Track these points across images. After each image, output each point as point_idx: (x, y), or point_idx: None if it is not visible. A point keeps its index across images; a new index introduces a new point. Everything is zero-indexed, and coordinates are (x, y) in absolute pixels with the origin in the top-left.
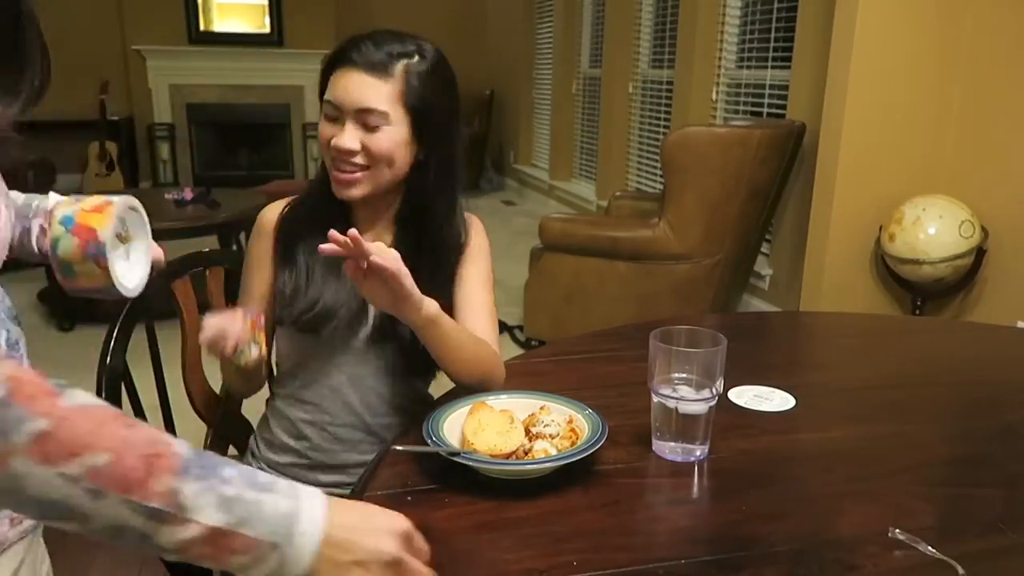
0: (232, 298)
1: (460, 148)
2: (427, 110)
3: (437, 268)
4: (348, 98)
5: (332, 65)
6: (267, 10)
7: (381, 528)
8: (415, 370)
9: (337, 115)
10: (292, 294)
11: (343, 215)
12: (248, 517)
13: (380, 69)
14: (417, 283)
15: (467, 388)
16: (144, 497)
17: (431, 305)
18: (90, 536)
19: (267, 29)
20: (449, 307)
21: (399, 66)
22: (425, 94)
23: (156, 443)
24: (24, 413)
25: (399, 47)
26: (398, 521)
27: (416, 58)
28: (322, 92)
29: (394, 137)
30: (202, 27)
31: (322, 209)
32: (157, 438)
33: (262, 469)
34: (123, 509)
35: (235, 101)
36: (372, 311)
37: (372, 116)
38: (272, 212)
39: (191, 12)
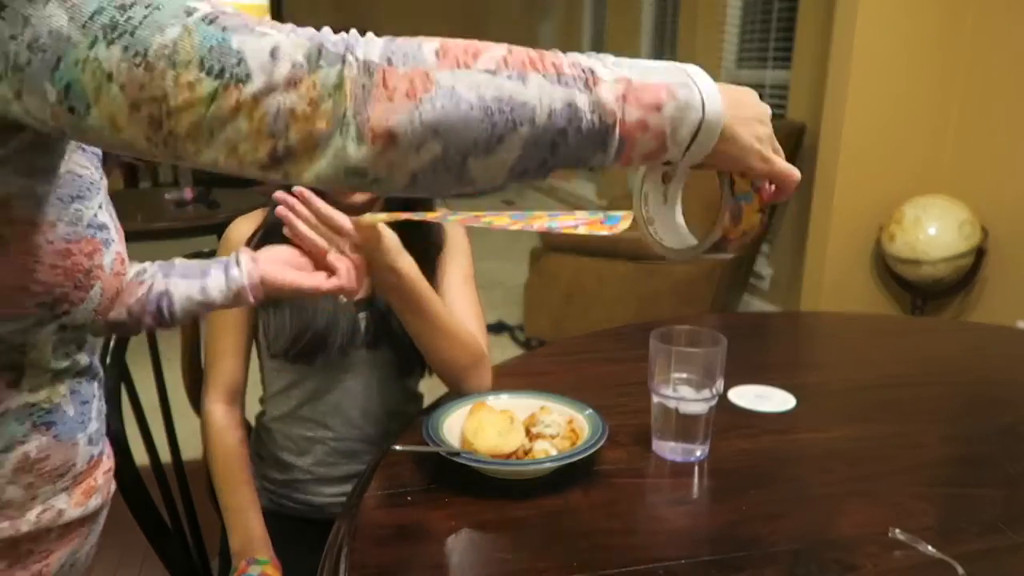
0: None
1: None
2: None
3: (420, 262)
4: None
5: None
6: (267, 10)
7: (746, 92)
8: (409, 368)
9: None
10: (278, 329)
11: None
12: (645, 67)
13: None
14: None
15: (455, 386)
16: (557, 70)
17: (406, 259)
18: (540, 147)
19: None
20: None
21: None
22: None
23: (525, 51)
24: (412, 41)
25: None
26: (749, 90)
27: None
28: None
29: None
30: None
31: None
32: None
33: (265, 488)
34: (549, 86)
35: None
36: (363, 323)
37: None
38: (240, 231)
39: None
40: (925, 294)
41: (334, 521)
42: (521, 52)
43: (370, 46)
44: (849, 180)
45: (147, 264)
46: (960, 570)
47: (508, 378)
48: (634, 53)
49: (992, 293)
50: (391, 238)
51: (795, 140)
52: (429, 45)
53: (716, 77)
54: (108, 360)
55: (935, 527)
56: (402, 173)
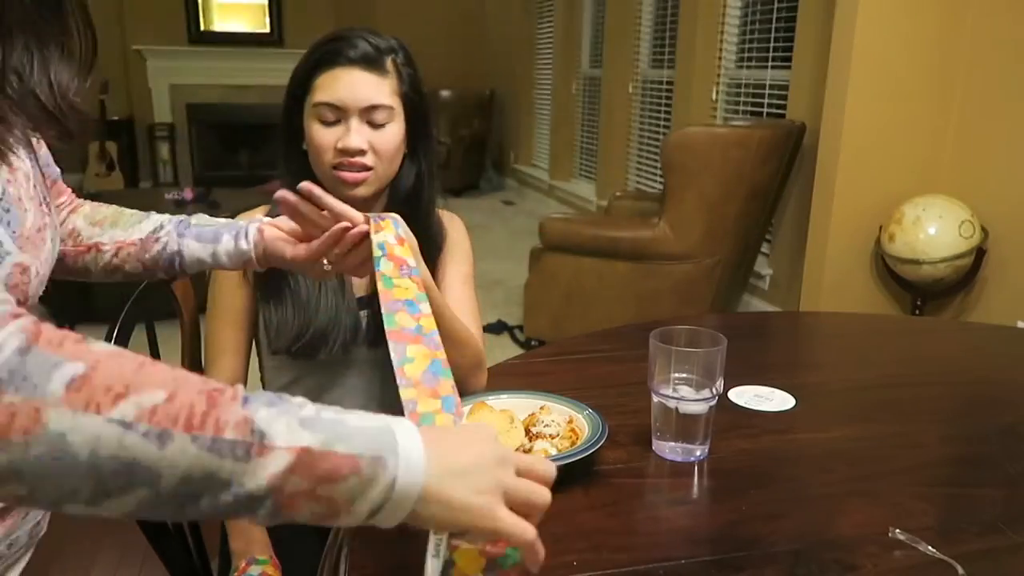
0: None
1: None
2: (418, 102)
3: (420, 259)
4: (353, 96)
5: (318, 67)
6: (267, 10)
7: (476, 433)
8: None
9: (338, 117)
10: (279, 325)
11: None
12: (337, 433)
13: (377, 64)
14: None
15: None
16: (217, 431)
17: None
18: (161, 508)
19: (267, 29)
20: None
21: (389, 61)
22: (414, 86)
23: (207, 381)
24: (53, 357)
25: (382, 42)
26: (486, 428)
27: (395, 53)
28: (297, 97)
29: (398, 133)
30: (202, 27)
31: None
32: (207, 380)
33: None
34: (195, 451)
35: (235, 101)
36: (365, 320)
37: (379, 112)
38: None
39: (191, 12)
40: (925, 294)
41: None
42: (185, 403)
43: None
44: (849, 180)
45: (164, 221)
46: (960, 570)
47: (508, 378)
48: (634, 53)
49: (992, 293)
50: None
51: (795, 140)
52: (70, 368)
53: (716, 77)
54: None
55: (935, 527)
56: None
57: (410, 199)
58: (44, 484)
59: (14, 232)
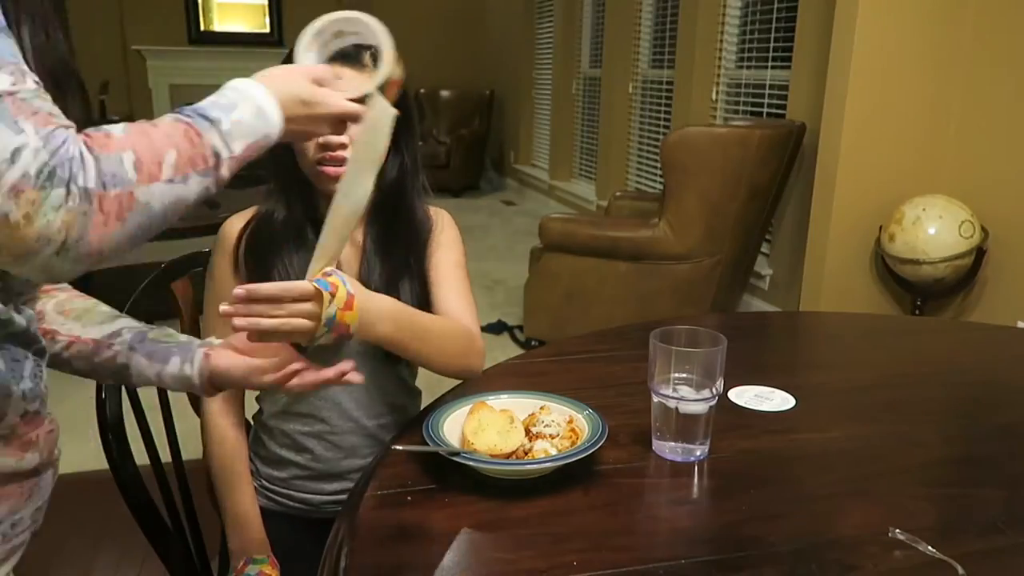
0: None
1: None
2: (399, 95)
3: (408, 255)
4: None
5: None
6: (267, 10)
7: (306, 95)
8: (396, 356)
9: None
10: None
11: (316, 217)
12: (244, 132)
13: (354, 59)
14: (387, 272)
15: (448, 376)
16: (205, 163)
17: (384, 324)
18: (180, 213)
19: (267, 29)
20: (423, 294)
21: (367, 56)
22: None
23: (176, 126)
24: (113, 155)
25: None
26: (315, 91)
27: (374, 47)
28: None
29: None
30: (202, 27)
31: (292, 217)
32: (172, 122)
33: (264, 487)
34: (199, 179)
35: None
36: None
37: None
38: (232, 227)
39: (191, 12)
40: (925, 294)
41: (333, 520)
42: (186, 151)
43: (88, 171)
44: (849, 180)
45: (124, 328)
46: (960, 570)
47: (508, 378)
48: (634, 53)
49: (992, 293)
50: (364, 316)
51: (795, 140)
52: (128, 157)
53: (716, 77)
54: None
55: (935, 527)
56: (93, 267)
57: (394, 190)
58: (140, 236)
59: None
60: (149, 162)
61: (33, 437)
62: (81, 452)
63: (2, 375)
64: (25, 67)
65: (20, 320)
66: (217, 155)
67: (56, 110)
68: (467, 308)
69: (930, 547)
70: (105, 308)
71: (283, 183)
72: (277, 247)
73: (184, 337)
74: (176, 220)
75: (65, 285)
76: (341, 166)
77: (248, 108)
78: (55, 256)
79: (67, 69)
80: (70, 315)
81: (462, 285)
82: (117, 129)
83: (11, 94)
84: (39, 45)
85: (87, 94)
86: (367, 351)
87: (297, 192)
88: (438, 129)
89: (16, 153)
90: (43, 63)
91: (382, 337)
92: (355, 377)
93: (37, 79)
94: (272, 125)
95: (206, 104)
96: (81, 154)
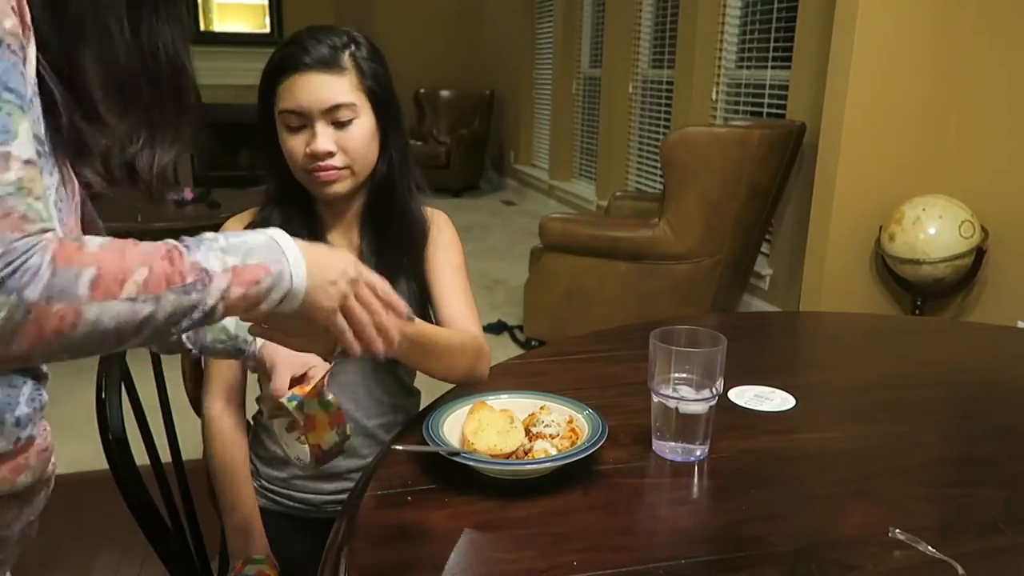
0: None
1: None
2: (383, 92)
3: (404, 255)
4: (313, 100)
5: (277, 75)
6: (267, 10)
7: (337, 255)
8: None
9: (303, 122)
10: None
11: (310, 222)
12: (247, 252)
13: (332, 64)
14: (382, 272)
15: (456, 383)
16: (183, 280)
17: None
18: (158, 333)
19: (267, 29)
20: (420, 295)
21: (346, 56)
22: (376, 75)
23: (160, 246)
24: (73, 269)
25: (337, 39)
26: (346, 254)
27: (354, 45)
28: (267, 106)
29: (365, 127)
30: (202, 27)
31: (287, 223)
32: (158, 244)
33: (264, 487)
34: (174, 297)
35: (235, 101)
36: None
37: (342, 111)
38: (231, 230)
39: (191, 12)
40: (925, 294)
41: (333, 520)
42: (159, 269)
43: (35, 284)
44: (849, 180)
45: None
46: (960, 570)
47: (508, 378)
48: (634, 53)
49: (992, 293)
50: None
51: (795, 140)
52: (87, 275)
53: (716, 77)
54: (108, 360)
55: (935, 527)
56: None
57: (383, 189)
58: (86, 350)
59: (61, 220)
60: (110, 280)
61: (23, 461)
62: (81, 452)
63: None
64: (11, 150)
65: None
66: (204, 270)
67: (38, 210)
68: (470, 313)
69: (930, 547)
70: None
71: (279, 186)
72: None
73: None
74: (142, 337)
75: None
76: (332, 171)
77: (256, 236)
78: None
79: (182, 71)
80: None
81: (463, 289)
82: (94, 243)
83: None
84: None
85: (200, 103)
86: (372, 365)
87: (292, 195)
88: (438, 129)
89: None
90: (156, 60)
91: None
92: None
93: (29, 159)
94: (289, 256)
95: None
96: (41, 264)
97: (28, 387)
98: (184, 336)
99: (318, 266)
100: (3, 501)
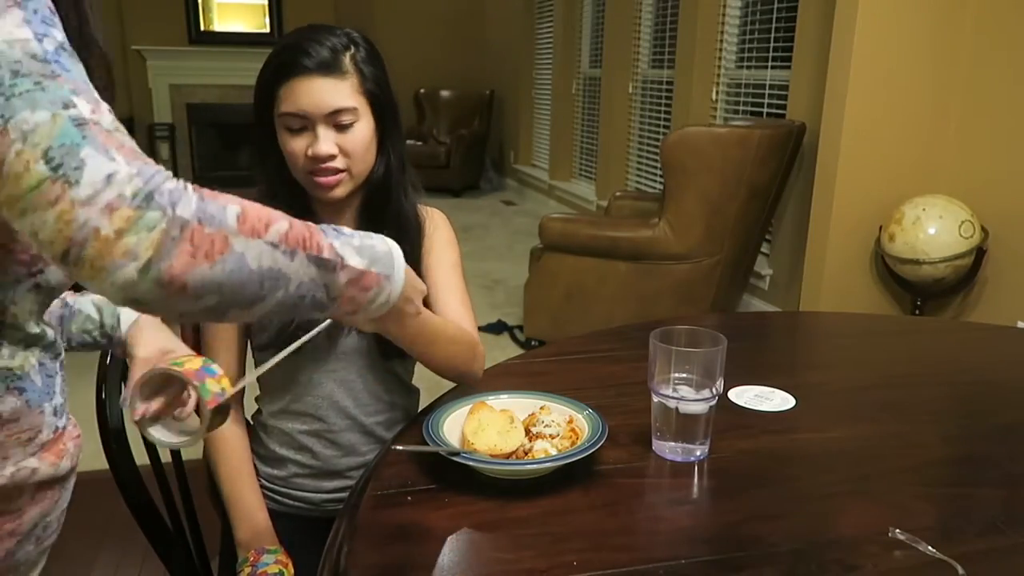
0: None
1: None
2: (382, 94)
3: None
4: (315, 104)
5: (277, 78)
6: (267, 10)
7: (415, 274)
8: (395, 352)
9: (304, 125)
10: (261, 323)
11: (306, 221)
12: (373, 258)
13: (334, 67)
14: None
15: (451, 380)
16: (318, 251)
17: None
18: (286, 308)
19: (267, 29)
20: None
21: (347, 59)
22: (376, 78)
23: (297, 219)
24: (219, 202)
25: (337, 40)
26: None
27: (354, 47)
28: (265, 107)
29: (365, 131)
30: (202, 27)
31: None
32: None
33: (265, 486)
34: (309, 264)
35: (235, 101)
36: None
37: (344, 115)
38: None
39: (191, 12)
40: (925, 294)
41: (333, 519)
42: (299, 230)
43: (186, 203)
44: (849, 180)
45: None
46: (960, 570)
47: (508, 378)
48: (634, 53)
49: (992, 293)
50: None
51: (795, 140)
52: (233, 209)
53: (716, 77)
54: (108, 359)
55: (935, 527)
56: (173, 312)
57: (379, 189)
58: (229, 293)
59: None
60: (254, 219)
61: (62, 446)
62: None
63: (38, 393)
64: (97, 94)
65: (49, 332)
66: (340, 256)
67: (138, 148)
68: (466, 313)
69: (930, 547)
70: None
71: (273, 189)
72: None
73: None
74: (274, 302)
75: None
76: (333, 176)
77: (380, 244)
78: (137, 272)
79: (88, 37)
80: None
81: (460, 288)
82: (227, 194)
83: (95, 123)
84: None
85: (110, 63)
86: (361, 348)
87: (287, 194)
88: (438, 129)
89: (110, 177)
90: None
91: (392, 333)
92: None
93: (109, 107)
94: (397, 273)
95: (352, 231)
96: (185, 189)
97: (60, 378)
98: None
99: (410, 286)
100: (48, 485)
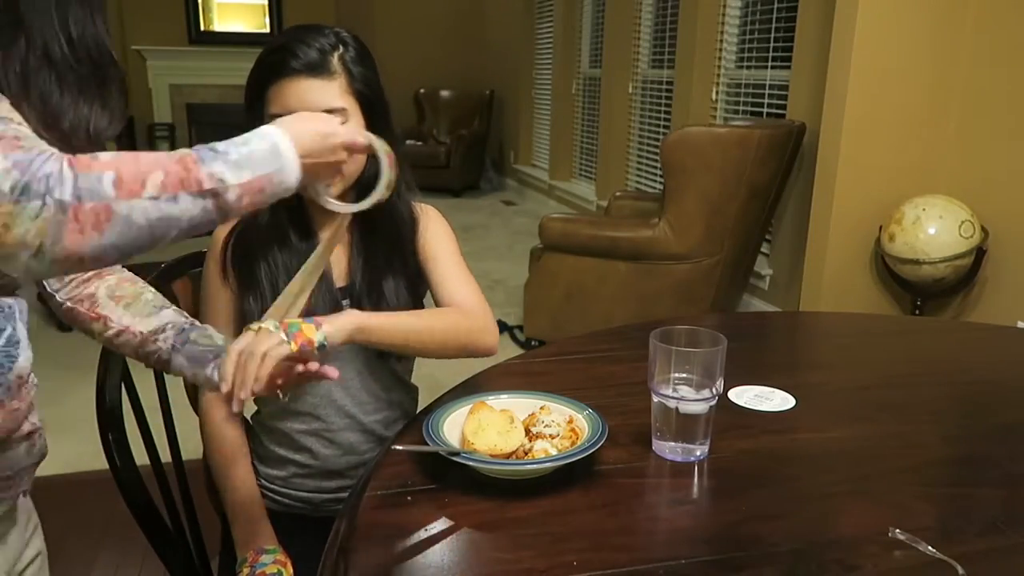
0: None
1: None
2: (372, 94)
3: (391, 253)
4: (303, 105)
5: (266, 78)
6: (267, 10)
7: (323, 128)
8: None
9: None
10: (262, 316)
11: (299, 220)
12: (255, 164)
13: (322, 68)
14: (370, 270)
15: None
16: (199, 186)
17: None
18: (195, 231)
19: (267, 29)
20: (409, 293)
21: (335, 59)
22: (366, 78)
23: (171, 154)
24: (94, 173)
25: (325, 40)
26: (330, 122)
27: (343, 47)
28: (255, 107)
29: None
30: (202, 27)
31: (275, 220)
32: (167, 153)
33: (265, 486)
34: (194, 200)
35: (235, 101)
36: (347, 307)
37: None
38: (221, 232)
39: (191, 12)
40: (925, 294)
41: (333, 519)
42: (175, 172)
43: (64, 185)
44: (849, 180)
45: (168, 325)
46: (960, 570)
47: (508, 378)
48: (634, 53)
49: (992, 293)
50: (334, 335)
51: (795, 140)
52: (108, 176)
53: (716, 77)
54: (108, 360)
55: (935, 527)
56: (86, 270)
57: (371, 190)
58: (126, 247)
59: None
60: (130, 180)
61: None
62: (81, 452)
63: None
64: None
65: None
66: (221, 180)
67: (27, 135)
68: (473, 293)
69: (930, 547)
70: (151, 295)
71: None
72: (262, 251)
73: (220, 339)
74: (173, 237)
75: (117, 267)
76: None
77: (261, 144)
78: (32, 259)
79: (107, 56)
80: (120, 302)
81: (463, 274)
82: (106, 154)
83: None
84: (85, 32)
85: (125, 81)
86: (358, 347)
87: None
88: (438, 129)
89: None
90: (87, 50)
91: (377, 346)
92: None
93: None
94: (286, 161)
95: (220, 142)
96: (60, 171)
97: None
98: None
99: (310, 154)
100: None
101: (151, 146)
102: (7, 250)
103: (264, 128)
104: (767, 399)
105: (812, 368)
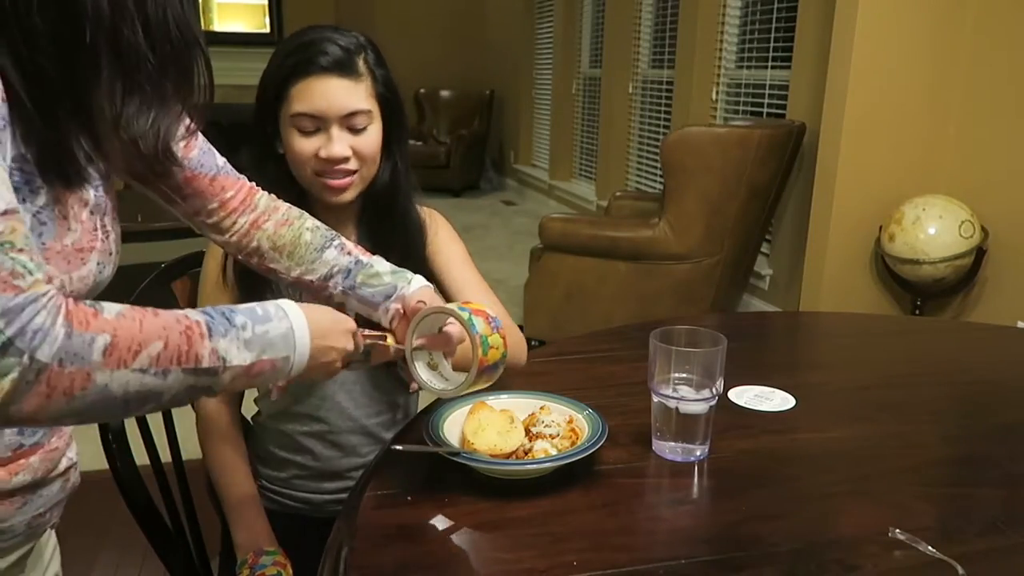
0: None
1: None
2: (392, 98)
3: (403, 260)
4: (331, 106)
5: (291, 76)
6: (267, 10)
7: (341, 329)
8: None
9: (318, 126)
10: None
11: None
12: (265, 346)
13: (350, 69)
14: None
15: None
16: (196, 362)
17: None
18: (169, 406)
19: (267, 29)
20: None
21: (360, 61)
22: (388, 81)
23: (181, 320)
24: (88, 335)
25: (350, 41)
26: (349, 323)
27: (364, 50)
28: (270, 107)
29: (378, 134)
30: (202, 27)
31: None
32: (179, 316)
33: (265, 487)
34: (185, 376)
35: (235, 101)
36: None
37: (359, 118)
38: (214, 254)
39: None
40: (925, 294)
41: (334, 520)
42: (176, 344)
43: (49, 344)
44: (849, 180)
45: (335, 269)
46: (960, 570)
47: (508, 378)
48: (634, 53)
49: (992, 293)
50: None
51: (795, 140)
52: (101, 340)
53: (716, 77)
54: None
55: (935, 527)
56: (21, 426)
57: (386, 195)
58: (91, 416)
59: (43, 243)
60: (123, 348)
61: (25, 462)
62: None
63: None
64: None
65: None
66: (222, 359)
67: (24, 263)
68: (496, 305)
69: (930, 547)
70: (308, 234)
71: (268, 189)
72: None
73: (388, 277)
74: (143, 412)
75: (269, 206)
76: (344, 178)
77: (279, 327)
78: None
79: (192, 36)
80: (283, 251)
81: (476, 280)
82: (112, 310)
83: None
84: (166, 14)
85: (209, 61)
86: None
87: (285, 198)
88: (438, 129)
89: None
90: (167, 35)
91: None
92: None
93: (5, 210)
94: (294, 350)
95: (242, 308)
96: (52, 326)
97: None
98: (331, 282)
99: (320, 351)
100: (3, 495)
101: None
102: None
103: (289, 305)
104: (767, 399)
105: (812, 368)
